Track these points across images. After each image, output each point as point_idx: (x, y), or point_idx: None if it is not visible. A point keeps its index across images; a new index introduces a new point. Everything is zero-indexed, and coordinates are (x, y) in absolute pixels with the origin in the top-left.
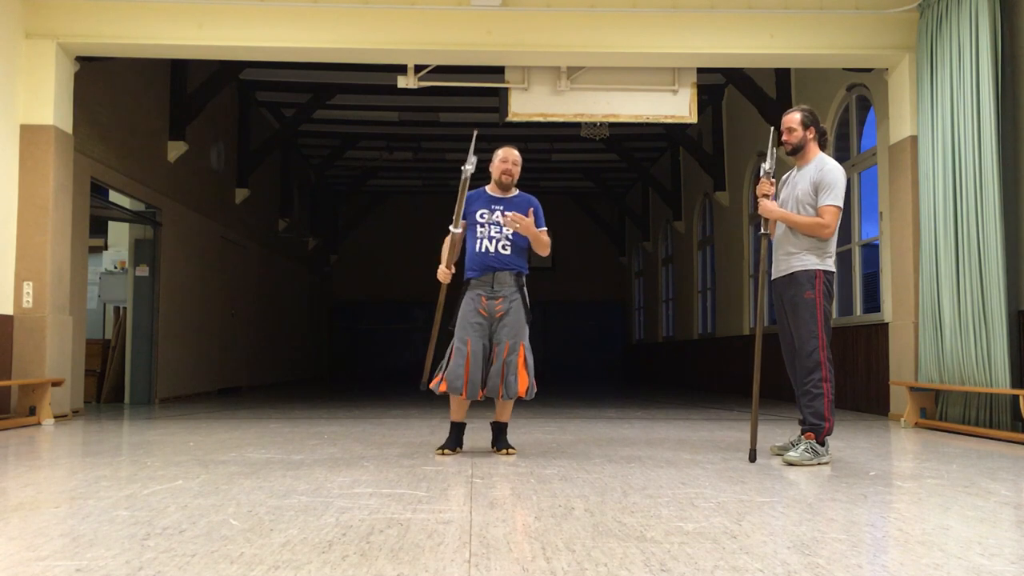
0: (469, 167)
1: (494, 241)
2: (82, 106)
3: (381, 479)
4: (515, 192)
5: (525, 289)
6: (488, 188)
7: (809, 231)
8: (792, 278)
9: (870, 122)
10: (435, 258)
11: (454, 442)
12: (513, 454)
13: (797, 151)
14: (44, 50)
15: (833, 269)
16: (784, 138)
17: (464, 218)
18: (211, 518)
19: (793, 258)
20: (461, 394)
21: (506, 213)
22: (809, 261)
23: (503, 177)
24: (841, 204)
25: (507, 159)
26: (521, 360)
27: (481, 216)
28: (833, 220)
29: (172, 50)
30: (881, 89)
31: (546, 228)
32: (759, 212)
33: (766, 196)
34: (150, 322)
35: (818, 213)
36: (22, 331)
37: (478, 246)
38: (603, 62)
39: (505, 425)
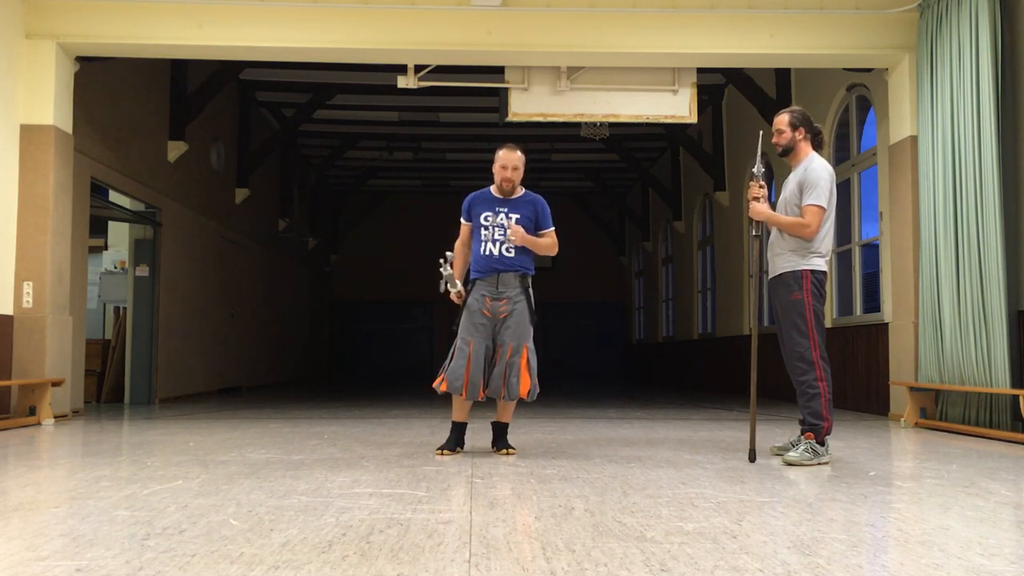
0: (447, 285)
1: (498, 243)
2: (82, 106)
3: (381, 479)
4: (520, 192)
5: (531, 290)
6: (492, 189)
7: (792, 231)
8: (780, 279)
9: (870, 122)
10: (436, 261)
11: (454, 442)
12: (513, 454)
13: (787, 152)
14: (44, 50)
15: (822, 268)
16: (774, 140)
17: (468, 220)
18: (211, 518)
19: (780, 258)
20: (461, 394)
21: (511, 215)
22: (794, 261)
23: (504, 184)
24: (823, 203)
25: (507, 166)
26: (524, 362)
27: (485, 219)
28: (814, 219)
29: (172, 50)
30: (881, 89)
31: (552, 228)
32: (749, 215)
33: (756, 199)
34: (150, 322)
35: (800, 213)
36: (22, 331)
37: (483, 248)
38: (603, 62)
39: (506, 426)
